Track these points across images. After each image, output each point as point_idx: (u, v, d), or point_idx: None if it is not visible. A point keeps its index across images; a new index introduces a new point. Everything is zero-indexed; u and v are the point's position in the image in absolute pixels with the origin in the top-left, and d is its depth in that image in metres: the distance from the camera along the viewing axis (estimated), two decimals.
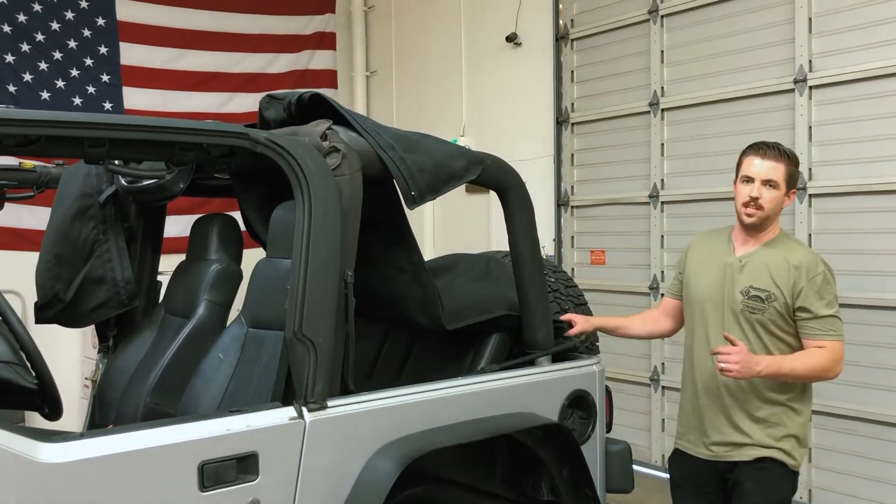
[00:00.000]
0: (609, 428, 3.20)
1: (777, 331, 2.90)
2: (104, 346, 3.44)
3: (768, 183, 2.89)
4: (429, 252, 7.28)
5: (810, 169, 4.92)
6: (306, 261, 2.32)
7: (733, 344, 2.75)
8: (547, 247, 6.53)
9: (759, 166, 2.91)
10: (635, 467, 5.63)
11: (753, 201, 2.89)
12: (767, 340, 2.90)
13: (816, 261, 2.90)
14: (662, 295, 5.64)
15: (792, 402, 2.95)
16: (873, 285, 4.65)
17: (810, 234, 4.92)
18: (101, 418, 3.26)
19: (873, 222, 4.66)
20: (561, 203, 6.46)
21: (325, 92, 8.04)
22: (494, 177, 2.95)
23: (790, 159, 2.95)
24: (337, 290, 2.38)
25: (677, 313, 3.27)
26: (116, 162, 2.98)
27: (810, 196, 4.92)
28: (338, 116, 2.68)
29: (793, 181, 2.95)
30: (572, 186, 6.44)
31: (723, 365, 2.72)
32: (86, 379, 3.61)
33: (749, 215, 2.92)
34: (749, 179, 2.92)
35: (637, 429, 5.93)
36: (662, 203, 5.73)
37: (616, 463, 3.11)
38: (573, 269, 6.43)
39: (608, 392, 3.19)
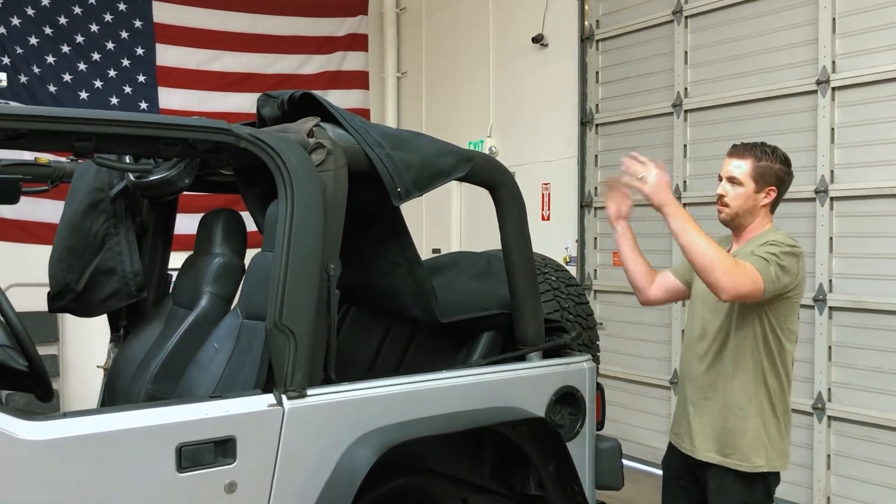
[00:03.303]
0: (601, 426, 3.21)
1: (751, 319, 2.88)
2: (115, 336, 3.57)
3: (731, 180, 2.94)
4: (455, 246, 7.36)
5: (832, 171, 4.86)
6: (287, 253, 2.39)
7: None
8: (570, 248, 6.54)
9: (726, 165, 2.99)
10: (653, 470, 5.67)
11: (719, 199, 2.99)
12: (744, 327, 2.89)
13: (777, 238, 2.84)
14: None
15: (753, 410, 2.91)
16: (895, 290, 4.57)
17: (831, 238, 4.86)
18: (111, 405, 3.38)
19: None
20: (584, 204, 6.47)
21: (357, 93, 8.29)
22: (485, 175, 2.98)
23: (763, 156, 2.91)
24: (318, 282, 2.45)
25: (668, 288, 3.24)
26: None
27: (832, 199, 4.86)
28: (330, 115, 2.75)
29: (766, 178, 2.91)
30: (596, 188, 6.44)
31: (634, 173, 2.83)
32: (97, 367, 3.73)
33: (719, 212, 3.01)
34: (720, 178, 3.00)
35: (656, 431, 5.91)
36: (684, 205, 5.68)
37: (606, 460, 3.11)
38: (595, 270, 6.43)
39: (600, 390, 3.20)
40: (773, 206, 2.99)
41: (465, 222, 7.69)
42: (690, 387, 3.05)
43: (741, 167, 2.93)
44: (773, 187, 2.93)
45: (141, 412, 2.21)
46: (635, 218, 3.22)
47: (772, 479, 2.96)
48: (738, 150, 2.98)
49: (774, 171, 2.92)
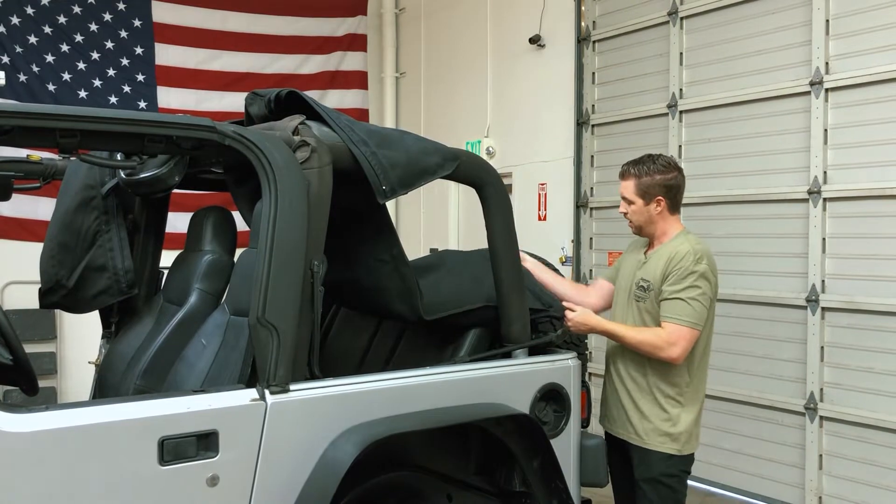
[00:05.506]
0: (587, 423, 3.24)
1: (657, 316, 3.19)
2: (107, 332, 3.59)
3: (624, 199, 3.29)
4: (453, 246, 7.37)
5: (825, 172, 4.87)
6: (271, 249, 2.41)
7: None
8: (566, 248, 6.56)
9: (620, 187, 3.31)
10: None
11: (624, 216, 3.34)
12: (650, 322, 3.21)
13: (688, 252, 3.12)
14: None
15: (668, 399, 3.18)
16: (887, 291, 4.58)
17: (824, 238, 4.87)
18: None
19: (888, 227, 4.60)
20: (580, 204, 6.48)
21: (355, 93, 8.29)
22: (471, 174, 3.00)
23: (643, 174, 3.21)
24: (302, 279, 2.47)
25: (603, 292, 3.60)
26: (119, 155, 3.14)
27: (825, 200, 4.87)
28: (315, 113, 2.78)
29: (651, 192, 3.21)
30: (592, 188, 6.45)
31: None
32: (89, 363, 3.76)
33: (629, 225, 3.36)
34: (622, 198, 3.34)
35: None
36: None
37: (590, 457, 3.15)
38: (591, 270, 6.44)
39: (586, 388, 3.23)
40: (671, 208, 3.26)
41: (464, 222, 7.71)
42: (614, 369, 3.36)
43: (628, 188, 3.26)
44: (660, 197, 3.20)
45: (123, 406, 2.24)
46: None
47: (689, 455, 3.23)
48: (623, 173, 3.30)
49: (656, 183, 3.20)
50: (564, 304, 3.26)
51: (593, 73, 6.45)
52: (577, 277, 6.48)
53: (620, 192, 3.31)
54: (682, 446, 3.19)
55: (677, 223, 3.30)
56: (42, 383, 3.48)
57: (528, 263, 3.49)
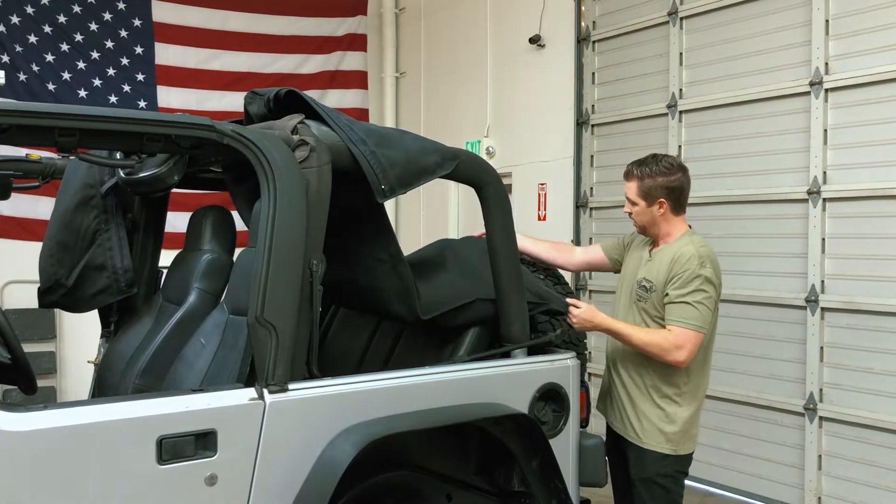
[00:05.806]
0: (585, 423, 3.24)
1: (657, 317, 3.20)
2: (106, 332, 3.58)
3: (628, 200, 3.29)
4: None
5: (825, 172, 4.87)
6: (270, 248, 2.41)
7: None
8: None
9: (624, 187, 3.31)
10: None
11: (629, 216, 3.33)
12: (650, 323, 3.21)
13: (693, 255, 3.11)
14: None
15: (665, 399, 3.18)
16: (887, 291, 4.58)
17: (823, 239, 4.88)
18: None
19: (888, 227, 4.60)
20: (580, 204, 6.48)
21: (355, 93, 8.27)
22: (470, 173, 2.99)
23: (646, 176, 3.19)
24: (300, 278, 2.47)
25: (593, 260, 3.68)
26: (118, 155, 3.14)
27: (824, 200, 4.87)
28: (315, 112, 2.77)
29: (653, 194, 3.19)
30: (591, 188, 6.46)
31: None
32: (88, 362, 3.76)
33: (634, 225, 3.35)
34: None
35: None
36: None
37: (589, 457, 3.14)
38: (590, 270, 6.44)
39: (585, 387, 3.22)
40: (675, 209, 3.24)
41: (464, 222, 7.71)
42: (612, 365, 3.36)
43: (631, 189, 3.26)
44: (663, 199, 3.18)
45: (122, 405, 2.23)
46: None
47: (685, 456, 3.22)
48: (627, 174, 3.30)
49: (658, 185, 3.19)
50: (569, 300, 3.24)
51: (593, 73, 6.45)
52: (577, 278, 6.49)
53: (625, 193, 3.31)
54: (677, 446, 3.18)
55: (682, 224, 3.28)
56: (41, 383, 3.49)
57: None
